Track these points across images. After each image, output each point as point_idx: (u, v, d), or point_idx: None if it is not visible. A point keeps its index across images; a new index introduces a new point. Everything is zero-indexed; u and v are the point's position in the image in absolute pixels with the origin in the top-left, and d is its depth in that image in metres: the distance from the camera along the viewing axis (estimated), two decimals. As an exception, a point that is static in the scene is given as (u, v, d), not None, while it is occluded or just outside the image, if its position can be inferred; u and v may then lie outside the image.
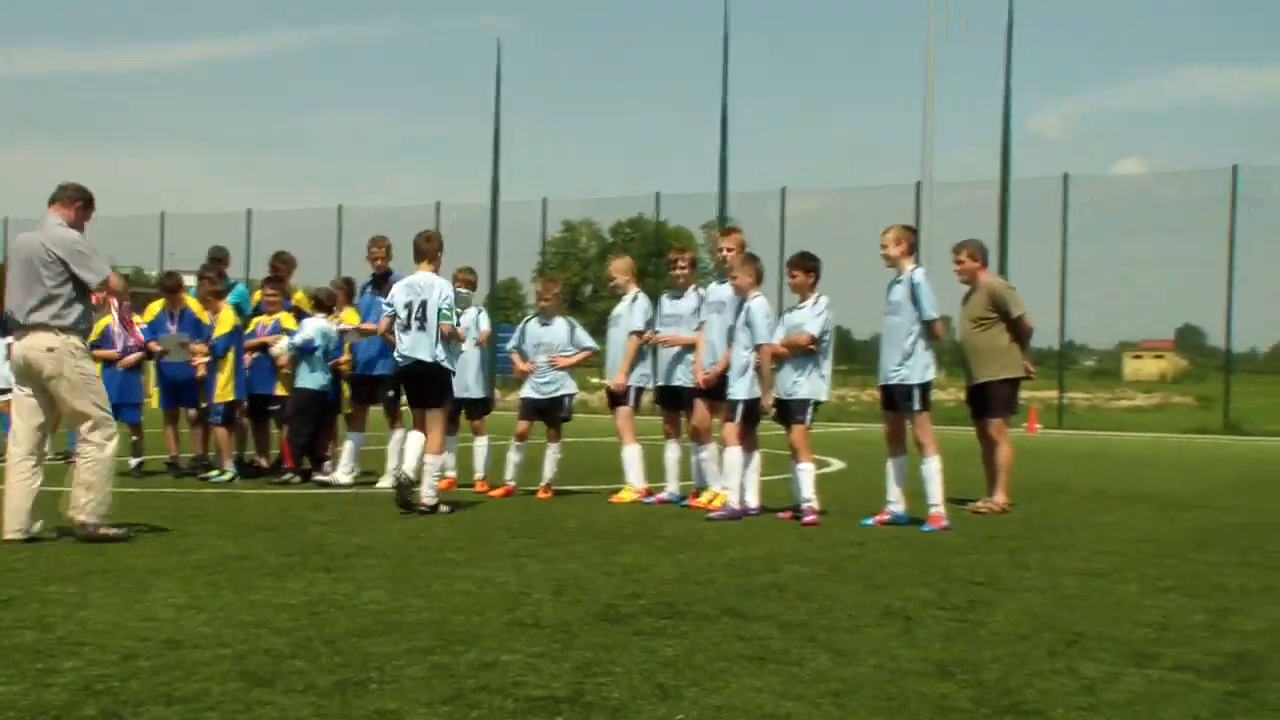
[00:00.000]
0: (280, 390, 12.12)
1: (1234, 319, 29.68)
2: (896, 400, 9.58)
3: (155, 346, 12.40)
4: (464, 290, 11.20)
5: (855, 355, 41.60)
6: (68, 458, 12.94)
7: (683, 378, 10.69)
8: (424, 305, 9.87)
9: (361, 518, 9.31)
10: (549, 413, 11.28)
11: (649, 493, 10.88)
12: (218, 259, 13.53)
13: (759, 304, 9.78)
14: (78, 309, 7.90)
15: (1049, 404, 31.41)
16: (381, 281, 11.89)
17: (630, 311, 11.02)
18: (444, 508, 9.66)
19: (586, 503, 10.73)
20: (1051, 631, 5.59)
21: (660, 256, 30.36)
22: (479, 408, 12.06)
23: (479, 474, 11.73)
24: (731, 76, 35.93)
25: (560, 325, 11.32)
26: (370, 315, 11.69)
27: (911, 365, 9.45)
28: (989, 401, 10.66)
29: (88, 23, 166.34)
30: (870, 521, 9.50)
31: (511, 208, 38.14)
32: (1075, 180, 31.55)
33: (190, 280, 14.12)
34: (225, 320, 12.35)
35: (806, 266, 9.80)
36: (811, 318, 9.62)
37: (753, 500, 9.91)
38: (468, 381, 11.50)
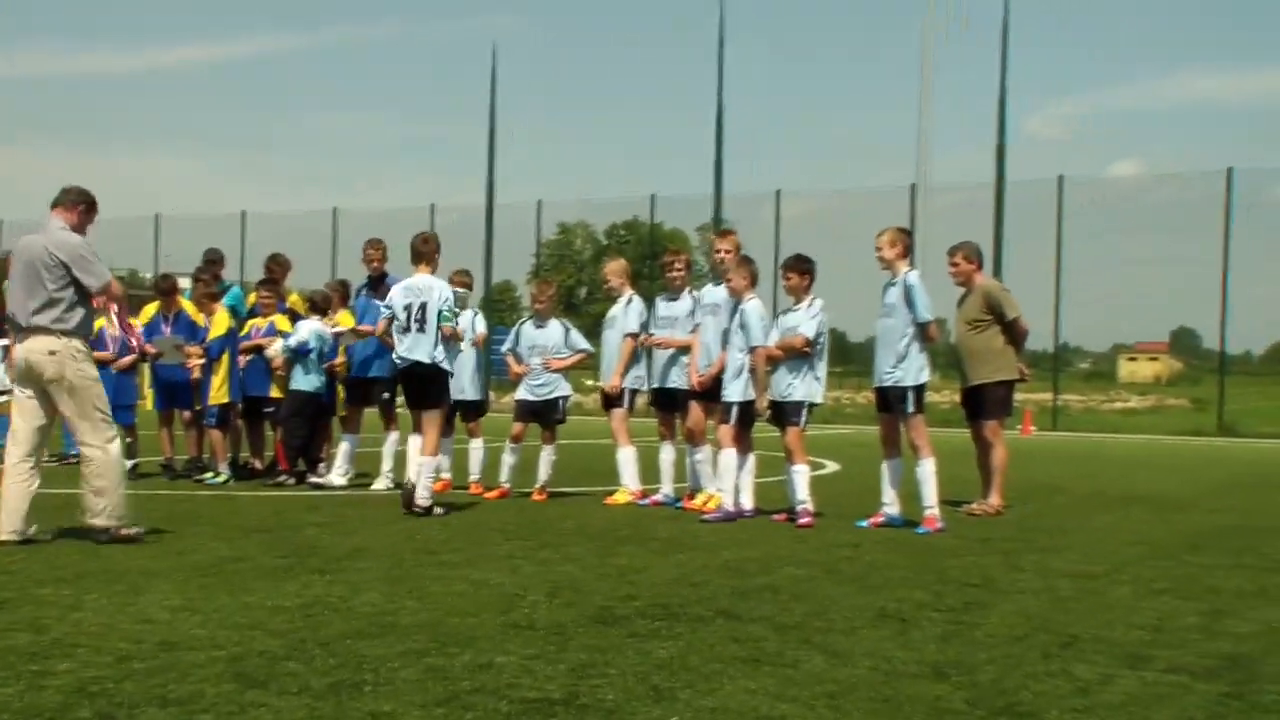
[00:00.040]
0: (275, 392, 12.11)
1: (1229, 321, 29.76)
2: (891, 402, 9.58)
3: (150, 349, 12.39)
4: (462, 290, 11.22)
5: (850, 357, 41.65)
6: (63, 460, 12.98)
7: (678, 380, 10.70)
8: (423, 307, 9.87)
9: (356, 520, 9.30)
10: (544, 415, 11.28)
11: (644, 495, 10.88)
12: (213, 261, 13.53)
13: (754, 306, 9.79)
14: (80, 312, 7.91)
15: (1044, 406, 31.46)
16: (377, 284, 11.88)
17: (625, 313, 11.03)
18: (439, 510, 9.66)
19: (581, 505, 10.73)
20: (1046, 633, 5.60)
21: (655, 259, 30.40)
22: (474, 410, 12.06)
23: (474, 476, 11.72)
24: (727, 78, 35.89)
25: (555, 327, 11.33)
26: (366, 317, 11.68)
27: (906, 367, 9.45)
28: (984, 403, 10.67)
29: (88, 23, 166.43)
30: (865, 523, 9.50)
31: (506, 210, 38.18)
32: (1071, 182, 31.61)
33: (185, 283, 14.11)
34: (220, 322, 12.34)
35: (801, 269, 9.82)
36: (806, 320, 9.63)
37: (747, 502, 9.91)
38: (463, 384, 11.49)
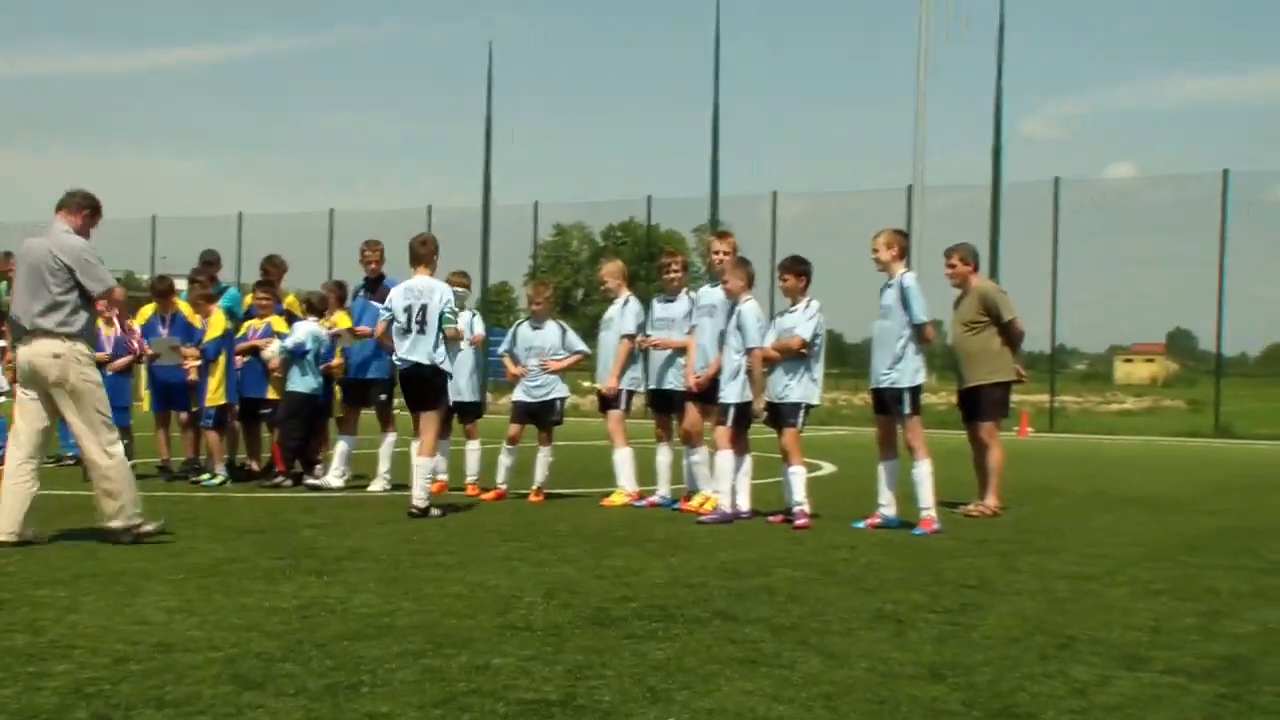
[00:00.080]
0: (272, 394, 12.11)
1: (1225, 323, 29.78)
2: (888, 404, 9.59)
3: (149, 350, 12.38)
4: (461, 289, 11.23)
5: (847, 359, 41.66)
6: (59, 461, 12.97)
7: (674, 381, 10.71)
8: (424, 309, 9.88)
9: (353, 521, 9.29)
10: (540, 416, 11.28)
11: (640, 496, 10.88)
12: (209, 263, 13.53)
13: (750, 308, 9.79)
14: (84, 316, 7.93)
15: (1040, 407, 31.46)
16: (375, 285, 11.89)
17: (622, 315, 11.03)
18: (436, 511, 9.66)
19: (578, 506, 10.73)
20: (1043, 634, 5.60)
21: (652, 260, 30.42)
22: (471, 411, 12.06)
23: (471, 477, 11.72)
24: (724, 79, 36.05)
25: (552, 329, 11.32)
26: (363, 319, 11.69)
27: (902, 369, 9.46)
28: (980, 405, 10.68)
29: (88, 23, 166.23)
30: (861, 525, 9.50)
31: (503, 211, 38.23)
32: (1067, 184, 31.64)
33: (182, 284, 14.11)
34: (216, 324, 12.34)
35: (798, 270, 9.82)
36: (803, 321, 9.63)
37: (744, 504, 9.91)
38: (460, 385, 11.49)
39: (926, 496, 9.36)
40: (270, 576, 6.67)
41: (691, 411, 10.50)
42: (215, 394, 12.20)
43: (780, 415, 9.68)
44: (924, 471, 9.38)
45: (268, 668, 4.63)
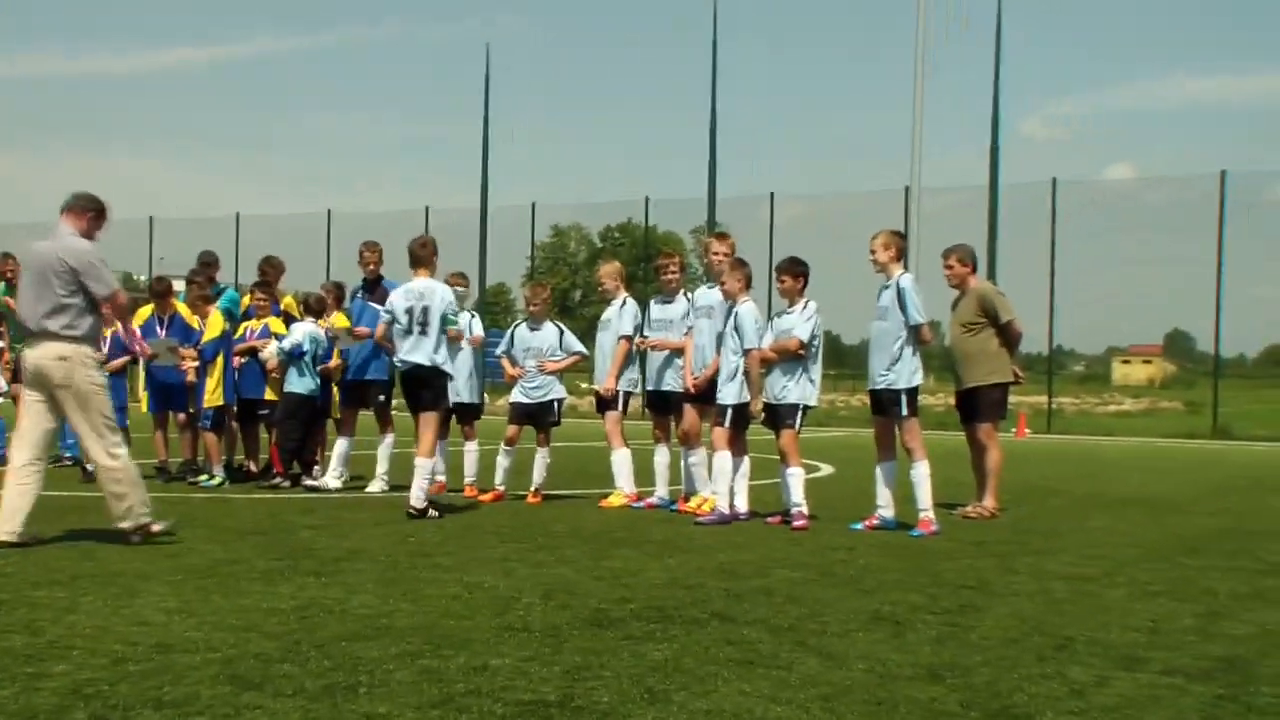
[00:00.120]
0: (269, 395, 12.11)
1: (1223, 324, 29.77)
2: (885, 405, 9.59)
3: (149, 351, 12.37)
4: (461, 289, 11.24)
5: (845, 360, 41.70)
6: (57, 462, 12.95)
7: (672, 382, 10.72)
8: (426, 311, 9.89)
9: (351, 522, 9.29)
10: (538, 417, 11.29)
11: (638, 497, 10.89)
12: (207, 264, 13.51)
13: (747, 309, 9.79)
14: (90, 319, 7.96)
15: (1038, 409, 31.46)
16: (373, 286, 11.88)
17: (619, 316, 11.03)
18: (433, 512, 9.66)
19: (576, 507, 10.74)
20: (1041, 635, 5.61)
21: (649, 261, 30.42)
22: (470, 412, 12.06)
23: (469, 479, 11.72)
24: (722, 80, 36.07)
25: (549, 330, 11.33)
26: (362, 320, 11.68)
27: (899, 370, 9.46)
28: (978, 406, 10.68)
29: (88, 24, 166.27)
30: (859, 526, 9.51)
31: (501, 212, 38.24)
32: (1065, 185, 31.63)
33: (180, 285, 14.10)
34: (214, 325, 12.34)
35: (795, 271, 9.82)
36: (800, 322, 9.63)
37: (742, 505, 9.91)
38: (459, 386, 11.48)
39: (924, 498, 9.36)
40: (268, 577, 6.67)
41: (689, 413, 10.50)
42: (213, 395, 12.20)
43: (778, 416, 9.69)
44: (922, 473, 9.39)
45: (266, 668, 4.63)
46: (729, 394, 9.81)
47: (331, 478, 11.78)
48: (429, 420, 9.99)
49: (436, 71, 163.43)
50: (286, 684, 4.41)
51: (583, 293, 72.47)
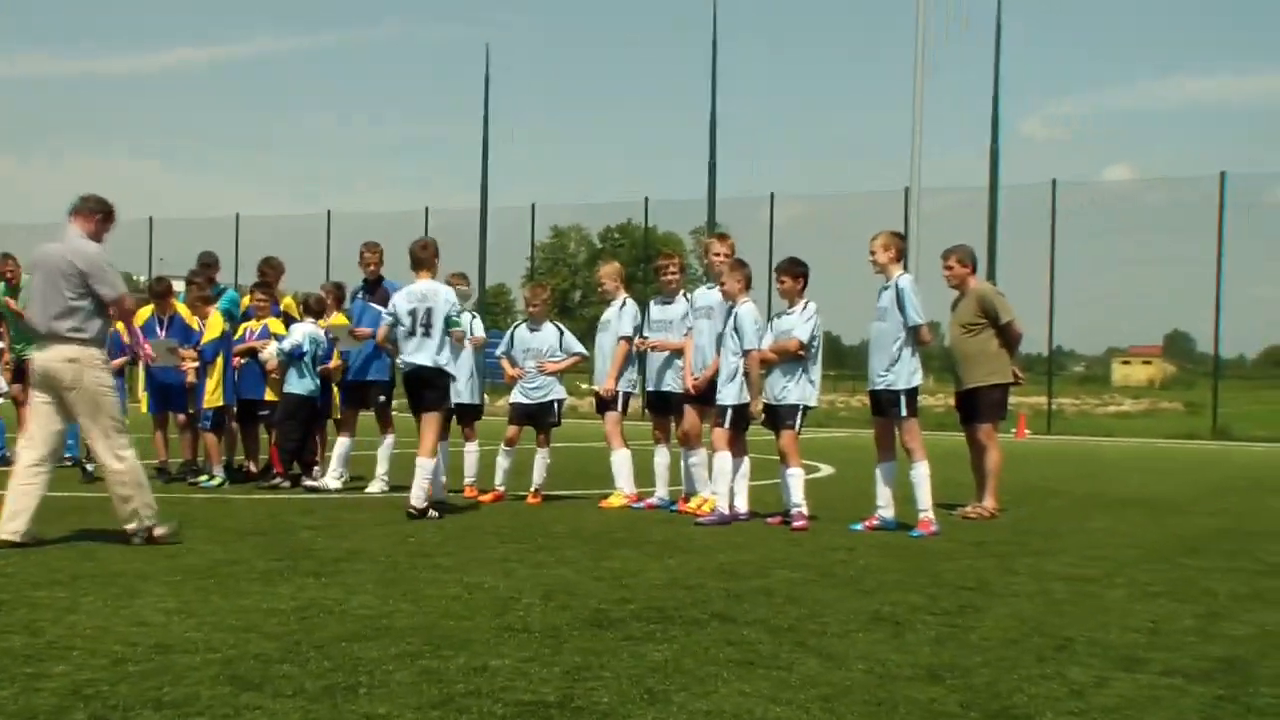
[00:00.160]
0: (269, 395, 12.11)
1: (1223, 325, 29.80)
2: (885, 406, 9.59)
3: (151, 355, 12.37)
4: (462, 289, 11.25)
5: (844, 361, 41.73)
6: (59, 462, 12.95)
7: (672, 383, 10.72)
8: (429, 312, 9.90)
9: (351, 523, 9.29)
10: (538, 418, 11.29)
11: (638, 498, 10.89)
12: (207, 264, 13.50)
13: (747, 310, 9.79)
14: (98, 322, 7.97)
15: (1038, 409, 31.49)
16: (373, 287, 11.88)
17: (619, 317, 11.03)
18: (433, 513, 9.66)
19: (576, 508, 10.74)
20: (1040, 636, 5.61)
21: (649, 262, 30.42)
22: (470, 413, 12.05)
23: (469, 479, 11.72)
24: (722, 81, 36.09)
25: (549, 331, 11.33)
26: (362, 321, 11.68)
27: (898, 371, 9.46)
28: (978, 407, 10.69)
29: (88, 24, 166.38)
30: (859, 527, 9.51)
31: (500, 213, 38.32)
32: (1064, 186, 31.67)
33: (179, 286, 14.10)
34: (214, 326, 12.34)
35: (795, 272, 9.82)
36: (800, 323, 9.63)
37: (742, 505, 9.91)
38: (459, 387, 11.47)
39: (924, 498, 9.37)
40: (268, 578, 6.67)
41: (689, 413, 10.50)
42: (213, 396, 12.21)
43: (778, 417, 9.69)
44: (922, 473, 9.39)
45: (266, 669, 4.63)
46: (729, 395, 9.81)
47: (331, 478, 11.78)
48: (430, 420, 9.99)
49: (436, 71, 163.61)
50: (286, 684, 4.41)
51: (582, 293, 72.49)
